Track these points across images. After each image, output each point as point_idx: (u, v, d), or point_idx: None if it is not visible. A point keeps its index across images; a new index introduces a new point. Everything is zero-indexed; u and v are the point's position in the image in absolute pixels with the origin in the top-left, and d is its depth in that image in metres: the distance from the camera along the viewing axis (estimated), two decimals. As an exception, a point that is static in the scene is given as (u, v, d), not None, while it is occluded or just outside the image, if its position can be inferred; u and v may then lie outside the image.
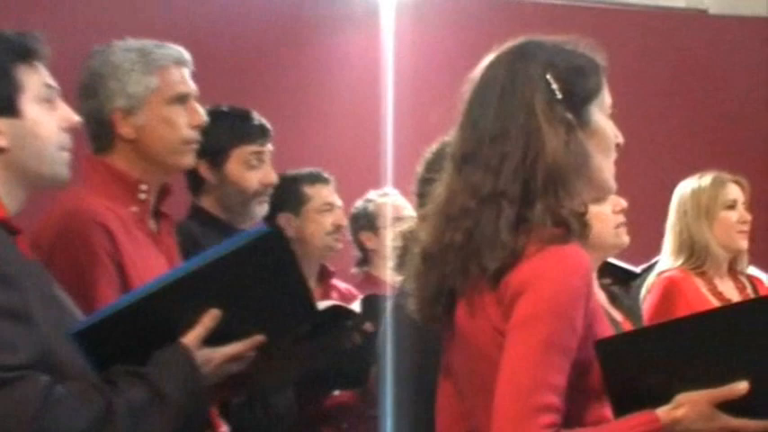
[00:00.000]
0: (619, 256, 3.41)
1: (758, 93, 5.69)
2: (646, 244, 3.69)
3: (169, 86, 2.42)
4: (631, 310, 2.95)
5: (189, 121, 2.43)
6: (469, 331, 1.80)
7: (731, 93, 5.61)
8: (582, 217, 1.80)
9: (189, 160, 2.47)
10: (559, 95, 1.80)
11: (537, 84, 1.80)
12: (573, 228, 1.76)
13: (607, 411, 1.78)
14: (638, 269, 3.80)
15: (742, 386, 1.72)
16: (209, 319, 1.90)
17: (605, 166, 1.87)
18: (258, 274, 1.93)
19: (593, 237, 2.70)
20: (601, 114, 1.86)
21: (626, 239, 2.85)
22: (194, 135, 2.45)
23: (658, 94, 5.45)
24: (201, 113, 2.47)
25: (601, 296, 2.86)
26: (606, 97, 1.89)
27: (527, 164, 1.77)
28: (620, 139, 1.91)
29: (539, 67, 1.82)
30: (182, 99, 2.43)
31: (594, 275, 2.87)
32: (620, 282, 3.70)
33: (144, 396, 1.79)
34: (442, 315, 1.85)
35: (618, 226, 2.82)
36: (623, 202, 2.84)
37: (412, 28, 4.98)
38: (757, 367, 1.72)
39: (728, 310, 1.88)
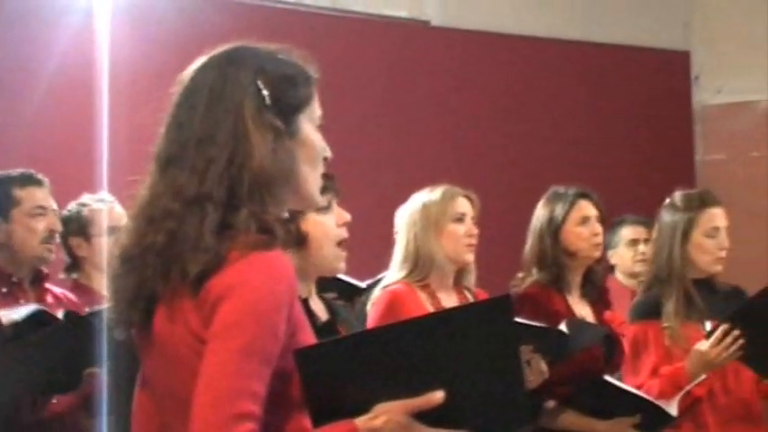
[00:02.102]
0: (349, 270, 3.54)
1: (482, 106, 5.98)
2: (376, 258, 3.86)
3: None
4: (351, 324, 3.07)
5: None
6: (168, 338, 1.84)
7: (454, 105, 5.86)
8: (287, 224, 1.87)
9: None
10: (269, 102, 1.88)
11: (247, 89, 1.88)
12: (278, 234, 1.83)
13: (309, 421, 1.84)
14: (363, 284, 3.96)
15: (438, 396, 1.82)
16: None
17: (312, 177, 1.96)
18: None
19: (311, 249, 2.84)
20: (310, 126, 1.95)
21: (341, 262, 2.97)
22: None
23: (380, 104, 5.62)
24: None
25: (319, 308, 2.97)
26: (316, 109, 1.98)
27: (233, 168, 1.84)
28: (328, 153, 2.00)
29: (250, 73, 1.89)
30: None
31: (313, 288, 3.00)
32: (346, 296, 3.86)
33: None
34: (140, 321, 1.88)
35: (340, 242, 2.94)
36: (347, 216, 2.96)
37: (129, 26, 4.96)
38: (454, 376, 1.84)
39: (424, 320, 1.98)
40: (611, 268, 5.45)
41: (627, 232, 5.44)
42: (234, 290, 1.77)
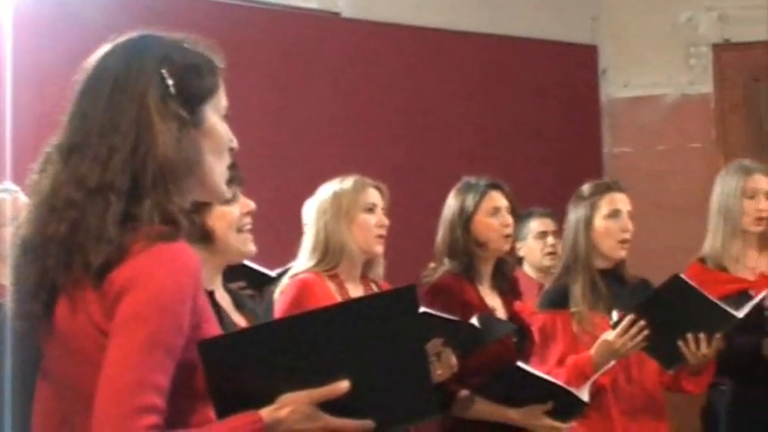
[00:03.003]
0: (257, 260, 3.53)
1: (392, 97, 5.99)
2: (283, 248, 3.85)
3: None
4: (257, 315, 3.06)
5: None
6: (70, 330, 1.82)
7: (364, 96, 5.86)
8: (191, 215, 1.87)
9: None
10: (173, 91, 1.87)
11: (151, 78, 1.87)
12: (182, 225, 1.82)
13: (213, 413, 1.84)
14: (273, 273, 3.95)
15: (343, 386, 1.84)
16: None
17: (217, 168, 1.95)
18: None
19: (217, 241, 2.84)
20: (216, 116, 1.94)
21: (250, 244, 2.96)
22: None
23: (290, 95, 5.59)
24: None
25: (225, 299, 2.96)
26: (222, 99, 1.97)
27: (137, 158, 1.82)
28: (235, 144, 1.99)
29: (154, 62, 1.88)
30: None
31: (220, 280, 2.99)
32: (255, 285, 3.85)
33: None
34: (42, 312, 1.86)
35: (241, 229, 2.93)
36: (252, 205, 2.96)
37: (33, 14, 4.87)
38: (359, 366, 1.85)
39: (328, 310, 1.97)
40: (520, 260, 5.49)
41: (535, 224, 5.48)
42: (137, 282, 1.76)
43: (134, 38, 1.94)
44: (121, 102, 1.86)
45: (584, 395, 3.79)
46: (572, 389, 3.80)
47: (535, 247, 5.47)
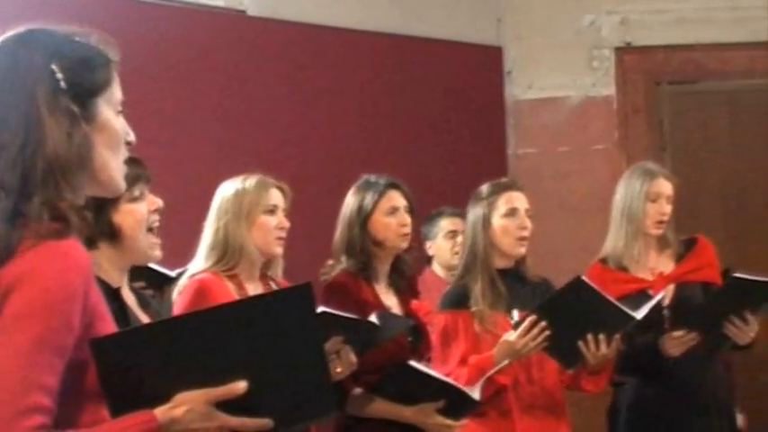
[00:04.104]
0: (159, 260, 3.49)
1: (297, 96, 5.98)
2: (186, 247, 3.81)
3: None
4: (160, 316, 3.02)
5: None
6: None
7: (268, 94, 5.83)
8: (82, 212, 1.84)
9: None
10: (64, 86, 1.84)
11: (41, 72, 1.84)
12: (72, 223, 1.80)
13: (107, 412, 1.82)
14: (173, 273, 3.91)
15: (240, 386, 1.83)
16: None
17: (112, 162, 1.92)
18: None
19: (124, 239, 2.81)
20: (109, 110, 1.92)
21: (157, 249, 2.93)
22: None
23: (195, 93, 5.54)
24: None
25: (130, 298, 2.93)
26: (117, 93, 1.94)
27: (26, 154, 1.79)
28: (131, 137, 1.97)
29: (44, 56, 1.85)
30: None
31: (126, 278, 2.95)
32: (155, 285, 3.81)
33: None
34: None
35: (150, 227, 2.90)
36: (159, 202, 2.92)
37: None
38: (256, 364, 1.85)
39: (224, 308, 1.96)
40: (429, 259, 5.53)
41: (445, 224, 5.53)
42: (23, 280, 1.74)
43: (23, 32, 1.91)
44: (10, 98, 1.83)
45: (476, 393, 3.83)
46: (463, 387, 3.83)
47: (445, 246, 5.52)
